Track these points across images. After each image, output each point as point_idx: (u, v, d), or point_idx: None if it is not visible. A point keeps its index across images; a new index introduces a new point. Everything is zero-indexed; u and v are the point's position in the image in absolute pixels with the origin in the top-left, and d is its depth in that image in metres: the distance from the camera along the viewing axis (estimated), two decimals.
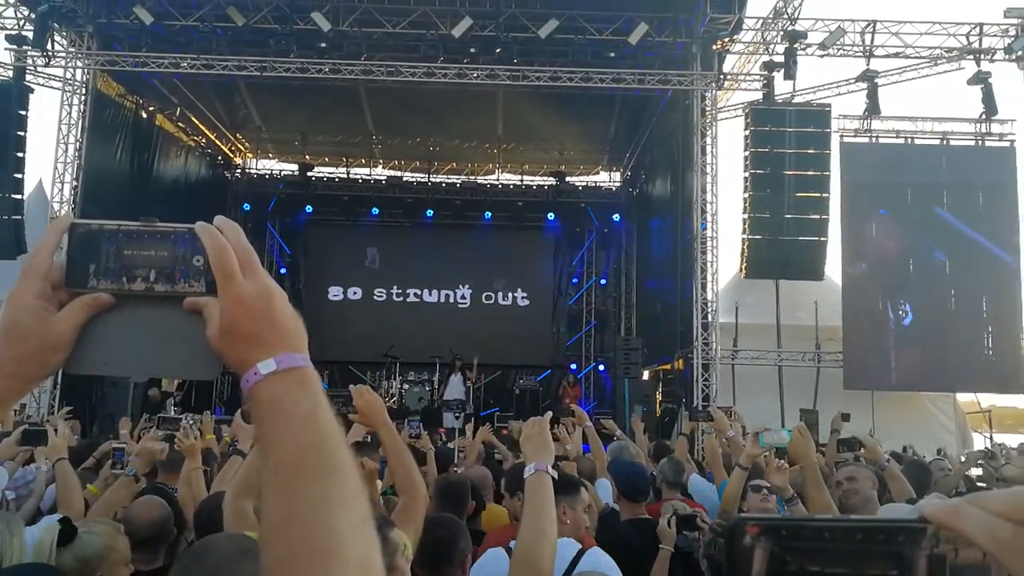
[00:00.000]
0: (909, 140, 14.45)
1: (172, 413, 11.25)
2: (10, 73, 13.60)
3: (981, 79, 13.79)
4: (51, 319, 0.88)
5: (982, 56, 13.76)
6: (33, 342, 0.87)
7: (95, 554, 2.65)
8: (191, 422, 6.31)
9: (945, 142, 14.49)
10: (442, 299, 20.09)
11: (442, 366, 16.76)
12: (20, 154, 13.06)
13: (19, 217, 12.99)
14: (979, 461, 8.10)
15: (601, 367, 19.54)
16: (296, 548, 0.79)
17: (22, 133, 13.09)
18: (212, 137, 19.12)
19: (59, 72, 13.83)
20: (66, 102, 13.66)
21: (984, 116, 14.12)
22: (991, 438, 14.11)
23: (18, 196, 13.10)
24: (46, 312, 0.88)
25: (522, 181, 20.63)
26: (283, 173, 20.78)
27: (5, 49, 13.51)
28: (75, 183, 13.47)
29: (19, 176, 13.11)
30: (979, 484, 7.65)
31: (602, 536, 4.21)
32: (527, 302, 20.16)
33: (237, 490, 2.73)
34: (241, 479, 2.77)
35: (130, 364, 0.95)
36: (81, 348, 0.90)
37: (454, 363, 16.38)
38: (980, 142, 14.48)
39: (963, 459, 8.40)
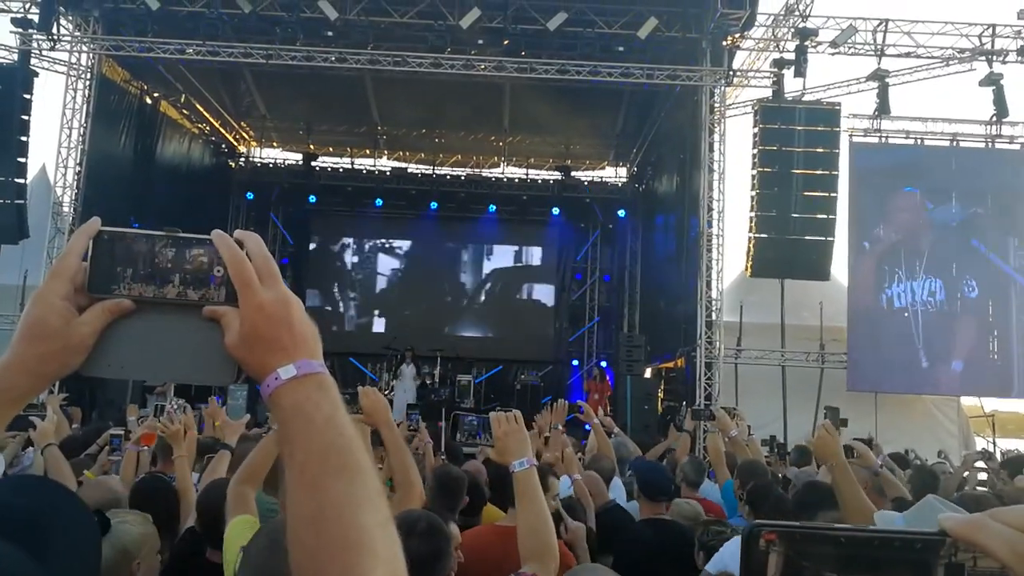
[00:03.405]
0: (919, 141, 14.37)
1: (171, 399, 11.19)
2: (15, 56, 13.54)
3: (993, 81, 13.69)
4: (75, 321, 0.91)
5: (994, 57, 13.65)
6: (57, 343, 0.90)
7: (134, 542, 2.64)
8: (176, 406, 6.26)
9: (955, 144, 14.41)
10: (445, 292, 20.02)
11: (393, 356, 16.32)
12: (24, 138, 13.00)
13: (22, 201, 12.95)
14: (976, 463, 8.05)
15: (603, 363, 19.46)
16: (329, 541, 0.83)
17: (26, 117, 13.03)
18: (216, 125, 19.05)
19: (64, 56, 13.77)
20: (71, 87, 13.61)
21: (995, 118, 14.02)
22: (994, 442, 14.05)
23: (21, 180, 13.05)
24: (71, 314, 0.91)
25: (527, 175, 20.53)
26: (287, 163, 20.69)
27: (10, 32, 13.46)
28: (78, 168, 13.41)
29: (22, 160, 13.06)
30: (978, 487, 7.60)
31: (617, 535, 4.17)
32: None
33: (241, 477, 2.84)
34: (246, 468, 2.87)
35: (147, 368, 1.00)
36: (100, 351, 0.93)
37: (405, 353, 16.06)
38: (990, 144, 14.38)
39: (962, 460, 8.36)
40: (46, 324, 0.90)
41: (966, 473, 7.69)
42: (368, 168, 20.42)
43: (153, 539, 2.74)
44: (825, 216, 13.17)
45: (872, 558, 0.65)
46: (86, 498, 3.27)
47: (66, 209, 13.31)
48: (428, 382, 15.87)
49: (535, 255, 20.39)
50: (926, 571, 0.64)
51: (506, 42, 13.42)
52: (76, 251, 0.93)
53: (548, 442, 5.77)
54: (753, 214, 13.18)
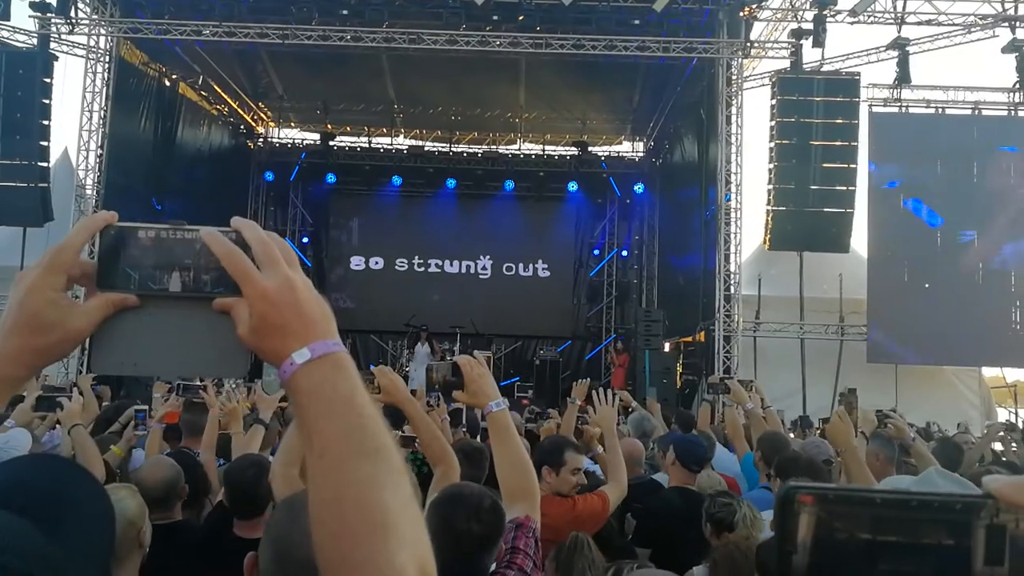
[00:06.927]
0: (940, 110, 14.16)
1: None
2: (34, 41, 13.68)
3: (1016, 47, 13.45)
4: (72, 313, 0.90)
5: (1018, 24, 13.40)
6: (55, 336, 0.89)
7: (136, 513, 2.73)
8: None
9: (977, 112, 14.19)
10: (463, 270, 20.09)
11: (412, 333, 16.47)
12: (45, 122, 13.15)
13: (45, 184, 13.14)
14: (1000, 434, 8.03)
15: (621, 339, 19.48)
16: (351, 525, 0.82)
17: (47, 101, 13.17)
18: (234, 106, 19.13)
19: (83, 40, 13.88)
20: (90, 70, 13.71)
21: (1018, 85, 13.79)
22: (1016, 413, 13.98)
23: (44, 164, 13.23)
24: (68, 304, 0.90)
25: (544, 151, 20.47)
26: (305, 142, 20.76)
27: (29, 16, 13.57)
28: (100, 151, 13.57)
29: (45, 144, 13.23)
30: (1002, 459, 7.58)
31: (646, 499, 4.31)
32: (548, 273, 20.10)
33: (284, 459, 2.81)
34: (286, 449, 2.85)
35: (160, 364, 0.97)
36: (111, 347, 0.92)
37: (420, 333, 16.14)
38: (1013, 112, 14.16)
39: (985, 431, 8.34)
40: (43, 319, 0.88)
41: (990, 445, 7.66)
42: (385, 147, 20.44)
43: (144, 508, 2.83)
44: (844, 188, 13.06)
45: (909, 520, 0.64)
46: (153, 475, 3.41)
47: (89, 192, 13.49)
48: (448, 359, 15.91)
49: (553, 231, 20.38)
50: (965, 532, 0.63)
51: (521, 17, 13.35)
52: (75, 245, 0.92)
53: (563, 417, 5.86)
54: (771, 187, 13.10)
